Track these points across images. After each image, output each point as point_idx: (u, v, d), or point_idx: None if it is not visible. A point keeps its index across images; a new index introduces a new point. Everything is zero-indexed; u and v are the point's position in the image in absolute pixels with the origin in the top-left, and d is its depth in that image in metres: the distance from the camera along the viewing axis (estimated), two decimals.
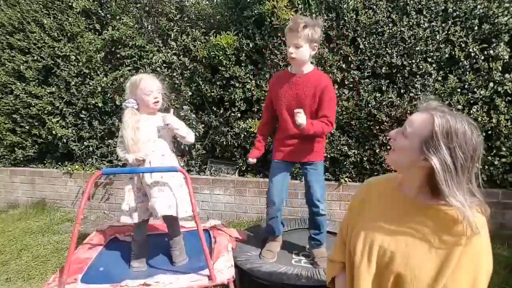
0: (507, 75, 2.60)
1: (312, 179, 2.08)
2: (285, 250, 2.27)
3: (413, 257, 0.94)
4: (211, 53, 3.18)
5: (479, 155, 0.94)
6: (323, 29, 2.95)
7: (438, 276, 0.91)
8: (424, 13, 2.75)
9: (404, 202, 1.02)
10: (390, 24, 2.83)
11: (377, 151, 2.92)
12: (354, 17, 2.89)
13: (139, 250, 2.14)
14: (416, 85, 2.79)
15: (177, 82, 3.36)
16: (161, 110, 2.13)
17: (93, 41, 3.56)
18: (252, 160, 2.23)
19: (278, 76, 2.10)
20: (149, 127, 2.03)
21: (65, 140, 3.70)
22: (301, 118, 1.80)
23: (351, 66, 2.94)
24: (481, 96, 2.66)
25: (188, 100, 3.38)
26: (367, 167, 3.00)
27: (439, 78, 2.76)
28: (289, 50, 1.87)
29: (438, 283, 0.91)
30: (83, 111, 3.66)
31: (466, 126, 0.91)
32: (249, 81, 3.16)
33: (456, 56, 2.70)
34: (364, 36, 2.89)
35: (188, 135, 2.07)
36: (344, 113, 2.99)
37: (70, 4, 3.58)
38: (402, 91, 2.86)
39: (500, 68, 2.60)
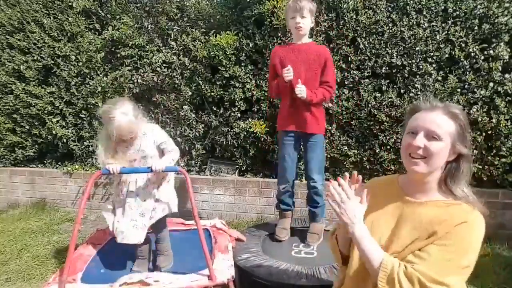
0: (507, 75, 2.60)
1: (312, 154, 2.18)
2: (285, 245, 2.26)
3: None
4: (211, 53, 3.18)
5: None
6: (323, 29, 2.96)
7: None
8: (424, 13, 2.75)
9: (404, 203, 1.07)
10: (390, 24, 2.83)
11: (377, 151, 2.92)
12: (354, 17, 2.89)
13: (142, 256, 2.11)
14: (416, 85, 2.79)
15: (177, 82, 3.36)
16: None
17: (93, 41, 3.56)
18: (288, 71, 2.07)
19: (279, 47, 2.27)
20: (132, 150, 1.97)
21: (65, 140, 3.70)
22: (300, 89, 2.00)
23: (351, 66, 2.94)
24: (481, 96, 2.65)
25: (188, 100, 3.38)
26: (367, 167, 3.00)
27: (439, 78, 2.76)
28: (297, 20, 2.03)
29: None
30: (83, 111, 3.66)
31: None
32: (249, 81, 3.16)
33: (456, 56, 2.70)
34: (364, 36, 2.89)
35: (172, 152, 2.04)
36: (344, 113, 3.00)
37: (70, 4, 3.58)
38: (402, 91, 2.86)
39: (500, 68, 2.60)
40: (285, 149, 2.23)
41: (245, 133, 3.21)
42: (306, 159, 2.22)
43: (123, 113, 1.84)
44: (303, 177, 3.13)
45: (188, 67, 3.34)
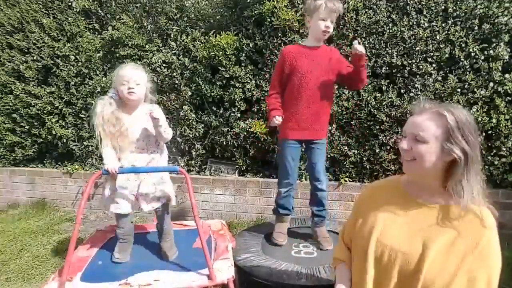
0: (507, 75, 2.60)
1: (318, 158, 2.16)
2: (285, 245, 2.25)
3: (430, 262, 0.95)
4: (211, 53, 3.18)
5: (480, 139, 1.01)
6: None
7: (453, 282, 0.93)
8: (424, 13, 2.76)
9: (413, 205, 1.05)
10: (390, 24, 2.83)
11: (377, 151, 2.92)
12: (354, 17, 2.89)
13: (124, 239, 2.06)
14: (416, 85, 2.79)
15: (177, 82, 3.36)
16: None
17: (92, 40, 3.56)
18: (279, 119, 2.04)
19: (292, 47, 2.11)
20: (135, 124, 1.94)
21: (64, 140, 3.70)
22: (360, 47, 1.88)
23: None
24: (481, 96, 2.66)
25: (188, 100, 3.37)
26: (367, 167, 3.01)
27: (439, 78, 2.76)
28: (327, 23, 1.94)
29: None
30: (82, 111, 3.66)
31: (467, 114, 1.01)
32: (249, 81, 3.16)
33: (456, 56, 2.70)
34: (364, 36, 2.89)
35: (166, 131, 1.97)
36: (344, 113, 3.00)
37: (69, 3, 3.57)
38: (402, 91, 2.86)
39: (500, 68, 2.61)
40: (288, 153, 2.16)
41: (245, 133, 3.21)
42: (312, 161, 2.17)
43: (140, 69, 1.96)
44: (303, 177, 3.13)
45: (188, 67, 3.34)
